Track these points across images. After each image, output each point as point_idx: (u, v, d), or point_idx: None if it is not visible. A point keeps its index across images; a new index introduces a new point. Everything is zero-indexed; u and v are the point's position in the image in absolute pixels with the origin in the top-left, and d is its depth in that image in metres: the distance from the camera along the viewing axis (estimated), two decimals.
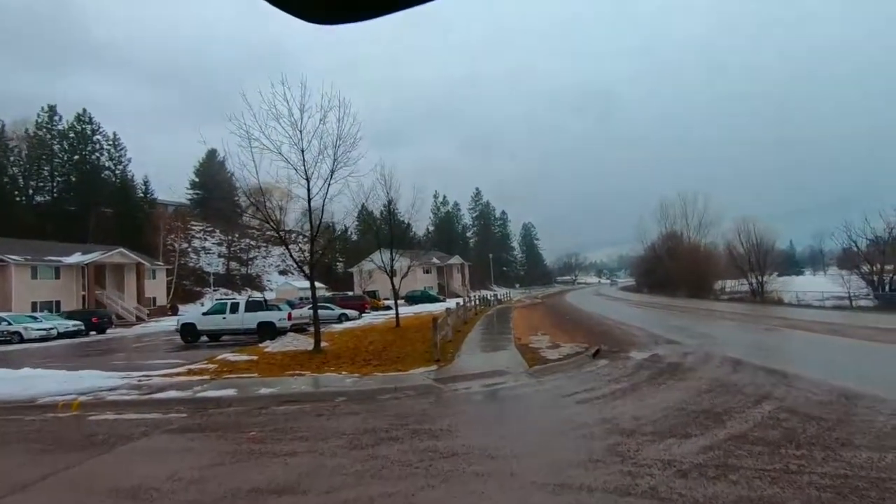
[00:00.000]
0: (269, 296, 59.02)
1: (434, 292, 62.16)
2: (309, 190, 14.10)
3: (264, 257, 73.13)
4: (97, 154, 59.30)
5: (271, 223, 14.49)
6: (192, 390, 9.12)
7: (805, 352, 12.09)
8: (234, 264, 70.30)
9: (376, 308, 42.47)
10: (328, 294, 55.50)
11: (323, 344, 16.45)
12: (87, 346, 22.35)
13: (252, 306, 20.88)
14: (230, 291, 60.30)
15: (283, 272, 69.10)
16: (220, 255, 70.55)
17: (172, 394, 8.89)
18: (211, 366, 12.43)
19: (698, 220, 61.97)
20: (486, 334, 18.55)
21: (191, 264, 65.26)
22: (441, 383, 9.18)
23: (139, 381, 10.29)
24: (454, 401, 7.84)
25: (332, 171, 13.84)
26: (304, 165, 13.81)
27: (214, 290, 61.55)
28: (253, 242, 72.48)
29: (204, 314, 21.74)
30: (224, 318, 20.56)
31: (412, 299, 53.41)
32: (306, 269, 14.64)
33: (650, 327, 18.95)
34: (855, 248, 38.50)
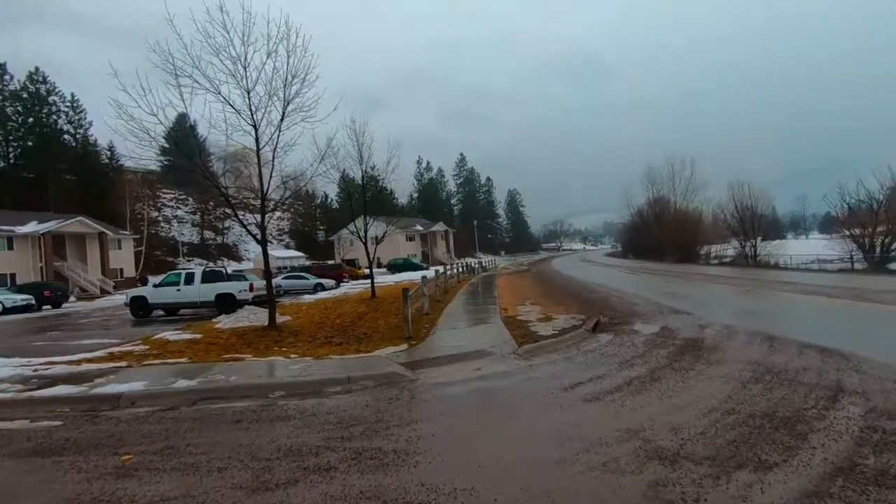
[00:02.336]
0: (247, 265, 56.73)
1: (417, 260, 60.40)
2: (257, 139, 11.91)
3: (241, 226, 70.14)
4: (54, 117, 55.22)
5: (211, 181, 12.32)
6: (91, 384, 7.17)
7: (846, 323, 10.24)
8: (209, 233, 67.39)
9: (355, 277, 40.50)
10: (307, 263, 53.47)
11: (285, 318, 14.58)
12: (29, 324, 20.19)
13: (209, 277, 18.84)
14: (205, 261, 57.77)
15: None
16: (193, 224, 67.54)
17: (62, 389, 6.91)
18: (140, 347, 10.44)
19: (685, 185, 60.66)
20: (469, 305, 16.74)
21: (162, 234, 62.28)
22: (409, 369, 7.36)
23: (35, 370, 8.29)
24: (420, 398, 5.98)
25: (284, 115, 11.61)
26: (249, 109, 11.59)
27: (188, 261, 59.01)
28: (229, 211, 69.41)
29: (156, 286, 19.63)
30: (178, 290, 18.53)
31: (394, 267, 51.65)
32: (253, 229, 12.54)
33: (649, 294, 17.31)
34: (847, 210, 37.34)
